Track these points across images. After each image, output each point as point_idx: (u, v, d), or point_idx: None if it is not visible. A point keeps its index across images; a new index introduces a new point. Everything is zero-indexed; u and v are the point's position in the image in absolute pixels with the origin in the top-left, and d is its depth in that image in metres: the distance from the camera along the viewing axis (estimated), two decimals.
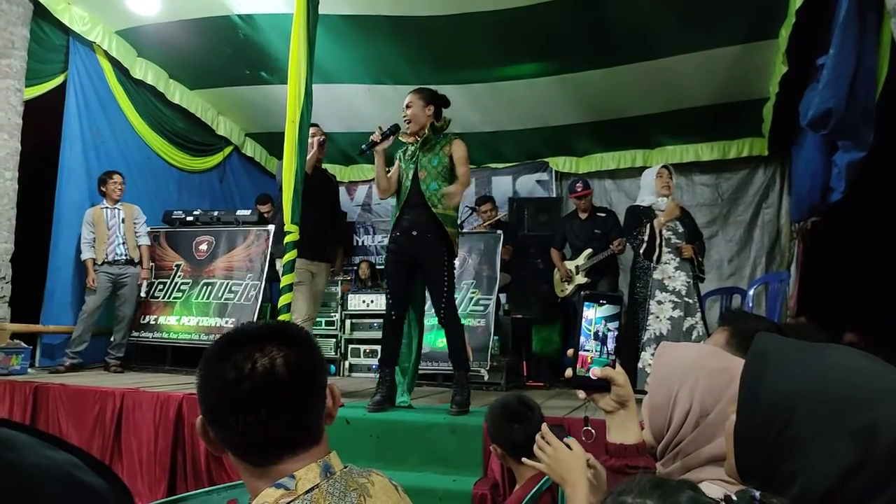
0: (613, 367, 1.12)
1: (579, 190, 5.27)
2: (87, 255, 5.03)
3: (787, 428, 0.69)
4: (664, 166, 4.31)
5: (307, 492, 0.87)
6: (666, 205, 4.15)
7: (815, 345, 0.76)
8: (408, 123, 3.45)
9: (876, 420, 0.63)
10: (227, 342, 0.92)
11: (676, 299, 3.88)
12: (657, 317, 3.92)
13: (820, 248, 5.00)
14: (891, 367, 0.70)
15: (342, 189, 7.83)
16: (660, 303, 3.93)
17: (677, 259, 3.95)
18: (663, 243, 4.04)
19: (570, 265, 5.24)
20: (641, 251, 4.14)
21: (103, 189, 5.13)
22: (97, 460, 0.50)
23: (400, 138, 3.57)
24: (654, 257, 4.05)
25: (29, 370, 4.55)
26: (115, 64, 5.58)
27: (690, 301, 3.88)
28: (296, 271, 4.10)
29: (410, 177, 3.46)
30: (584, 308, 1.12)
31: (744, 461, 0.75)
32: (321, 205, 4.09)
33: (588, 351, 1.11)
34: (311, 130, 4.13)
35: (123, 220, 5.17)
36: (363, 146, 3.49)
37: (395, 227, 3.49)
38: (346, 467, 0.95)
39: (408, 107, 3.47)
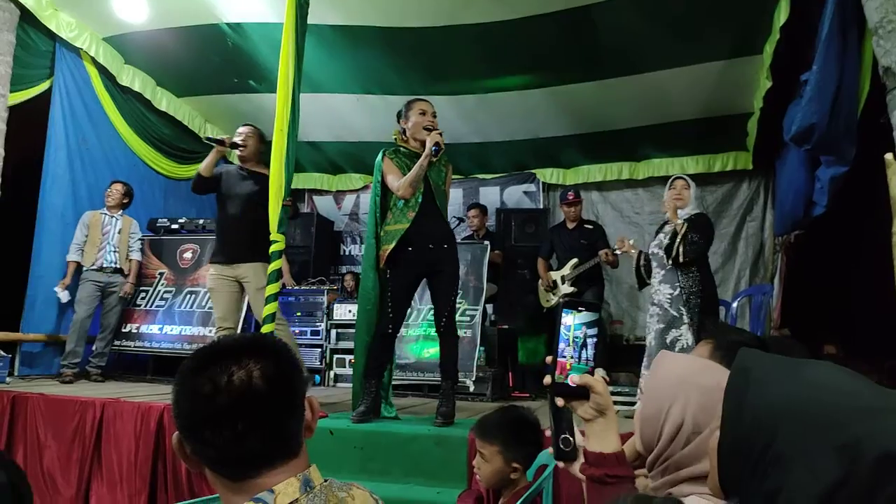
0: (592, 374, 1.11)
1: (570, 198, 5.31)
2: (72, 256, 4.98)
3: (770, 445, 0.69)
4: (678, 177, 4.09)
5: None
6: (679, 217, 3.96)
7: (797, 361, 0.76)
8: (440, 134, 3.36)
9: (859, 437, 0.63)
10: (203, 356, 0.90)
11: (660, 312, 3.86)
12: (648, 329, 3.94)
13: (803, 261, 5.06)
14: (871, 384, 0.71)
15: (330, 198, 7.82)
16: (650, 316, 3.93)
17: (662, 271, 3.93)
18: (650, 260, 4.03)
19: (556, 275, 5.26)
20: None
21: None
22: None
23: (401, 144, 3.54)
24: (646, 283, 4.12)
25: (7, 379, 4.47)
26: (102, 71, 5.54)
27: (674, 313, 3.81)
28: (208, 278, 4.09)
29: (423, 189, 3.39)
30: (563, 314, 1.12)
31: (727, 478, 0.75)
32: (240, 204, 4.02)
33: (566, 357, 1.11)
34: (240, 130, 4.12)
35: (120, 231, 5.14)
36: (434, 149, 3.29)
37: (405, 242, 3.36)
38: (326, 481, 0.93)
39: (434, 115, 3.45)
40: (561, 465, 1.13)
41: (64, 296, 5.00)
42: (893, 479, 0.61)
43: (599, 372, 1.12)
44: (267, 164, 4.15)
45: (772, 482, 0.68)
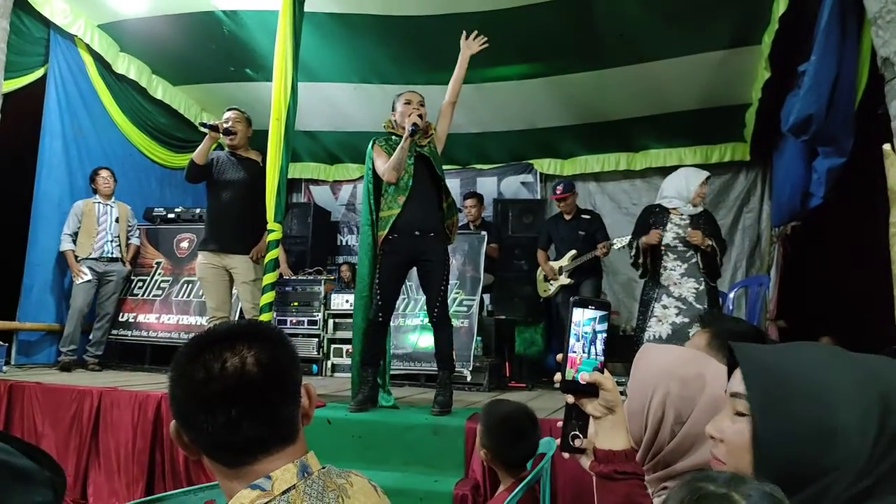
0: (602, 370, 1.11)
1: (558, 192, 5.30)
2: (66, 246, 4.94)
3: (820, 419, 0.70)
4: (709, 176, 4.12)
5: (284, 492, 0.85)
6: (685, 210, 4.00)
7: (793, 343, 0.80)
8: (420, 119, 3.40)
9: (888, 392, 0.68)
10: (197, 343, 0.91)
11: (682, 306, 3.83)
12: (660, 320, 3.89)
13: (799, 252, 5.07)
14: (867, 355, 0.75)
15: (327, 188, 7.81)
16: (665, 307, 3.89)
17: (684, 265, 3.92)
18: (664, 251, 4.00)
19: (554, 266, 5.26)
20: (638, 273, 4.17)
21: (94, 186, 5.14)
22: (26, 443, 0.49)
23: (391, 132, 3.56)
24: (646, 272, 4.08)
25: (4, 368, 4.47)
26: (97, 58, 5.51)
27: (701, 307, 3.79)
28: (198, 266, 4.07)
29: (412, 173, 3.40)
30: (574, 311, 1.11)
31: (772, 468, 0.74)
32: (231, 191, 4.01)
33: (577, 353, 1.11)
34: (226, 115, 4.10)
35: (117, 220, 5.13)
36: (412, 128, 3.30)
37: (392, 229, 3.39)
38: (324, 467, 0.93)
39: (422, 104, 3.48)
40: (566, 455, 1.14)
41: (86, 275, 4.93)
42: None
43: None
44: (256, 150, 4.16)
45: (828, 458, 0.69)
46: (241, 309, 4.98)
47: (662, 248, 4.00)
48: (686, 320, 3.80)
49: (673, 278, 3.92)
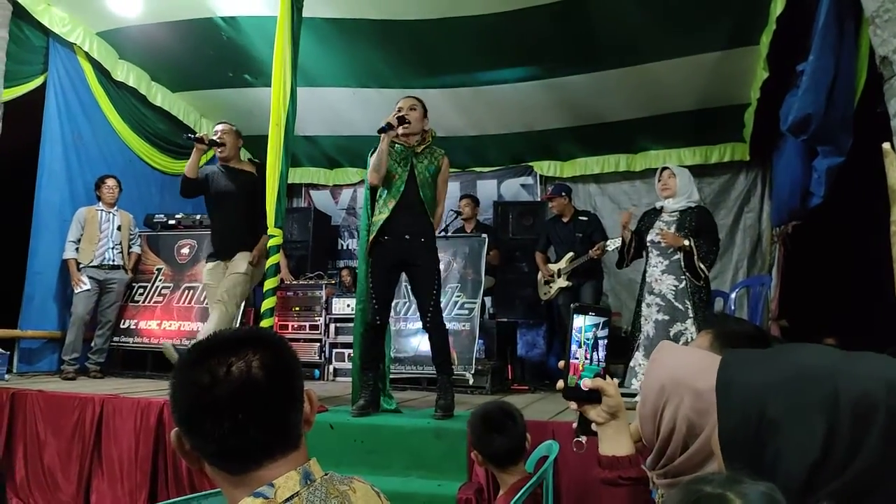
0: (604, 376, 1.11)
1: (548, 194, 5.36)
2: (69, 254, 4.94)
3: (762, 416, 0.72)
4: (664, 167, 4.17)
5: (287, 500, 0.85)
6: (671, 206, 4.02)
7: (773, 347, 0.83)
8: (407, 123, 3.42)
9: (836, 389, 0.69)
10: (200, 348, 0.90)
11: (662, 303, 3.84)
12: (646, 319, 3.92)
13: (800, 251, 5.06)
14: (843, 351, 0.77)
15: (327, 193, 7.81)
16: (648, 305, 3.92)
17: (665, 262, 3.92)
18: (650, 248, 4.03)
19: (552, 268, 5.26)
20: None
21: (98, 193, 5.15)
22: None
23: (393, 141, 3.57)
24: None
25: (6, 376, 4.47)
26: (96, 66, 5.51)
27: (680, 307, 3.79)
28: (205, 272, 4.16)
29: (405, 179, 3.43)
30: (574, 317, 1.11)
31: (733, 463, 0.77)
32: (225, 204, 4.09)
33: (578, 359, 1.11)
34: (216, 128, 4.16)
35: (119, 227, 5.14)
36: (384, 126, 3.34)
37: (383, 231, 3.42)
38: (326, 474, 0.93)
39: (411, 109, 3.47)
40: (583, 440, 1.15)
41: (85, 284, 4.93)
42: (873, 418, 0.66)
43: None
44: (251, 161, 4.21)
45: (770, 449, 0.71)
46: (241, 314, 5.01)
47: (648, 244, 4.03)
48: (666, 318, 3.80)
49: (655, 275, 3.93)
